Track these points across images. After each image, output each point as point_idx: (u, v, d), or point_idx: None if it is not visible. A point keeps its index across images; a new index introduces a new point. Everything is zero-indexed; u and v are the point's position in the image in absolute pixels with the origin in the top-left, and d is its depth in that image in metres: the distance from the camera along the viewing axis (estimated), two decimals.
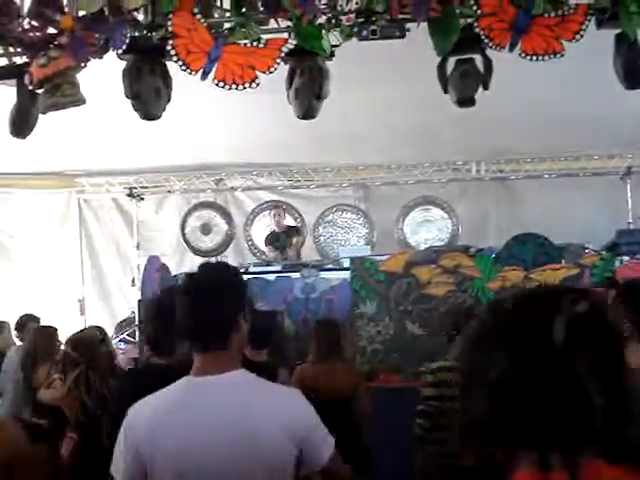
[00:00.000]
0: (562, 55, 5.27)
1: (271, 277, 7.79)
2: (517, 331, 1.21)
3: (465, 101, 5.38)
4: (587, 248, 7.28)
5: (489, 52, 5.28)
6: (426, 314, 6.58)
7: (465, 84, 5.37)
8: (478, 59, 5.33)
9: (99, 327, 5.80)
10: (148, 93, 5.32)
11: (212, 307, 2.39)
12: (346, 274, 7.37)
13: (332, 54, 5.25)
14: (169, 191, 10.85)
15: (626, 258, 7.16)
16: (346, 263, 7.84)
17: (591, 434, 1.14)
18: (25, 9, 5.21)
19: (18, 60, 5.39)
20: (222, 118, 8.43)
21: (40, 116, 5.47)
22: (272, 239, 9.83)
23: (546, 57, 5.27)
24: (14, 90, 5.48)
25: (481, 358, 1.21)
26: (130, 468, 2.35)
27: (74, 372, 4.35)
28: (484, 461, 1.20)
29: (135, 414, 2.41)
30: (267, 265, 9.06)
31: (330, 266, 8.62)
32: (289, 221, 10.20)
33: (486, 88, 5.37)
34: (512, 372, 1.17)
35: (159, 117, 5.43)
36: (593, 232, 8.09)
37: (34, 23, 5.14)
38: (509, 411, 1.15)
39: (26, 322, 7.39)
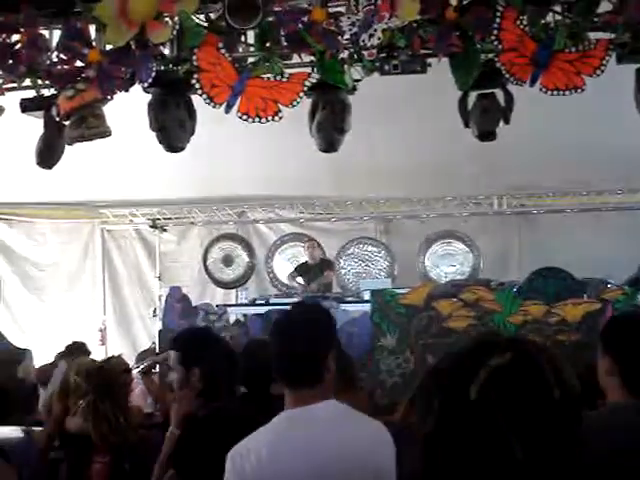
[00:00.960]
0: (583, 90, 5.30)
1: None
2: (441, 390, 1.23)
3: (487, 135, 5.41)
4: (609, 282, 7.22)
5: (510, 86, 5.32)
6: (447, 348, 6.53)
7: (486, 118, 5.39)
8: (499, 93, 5.36)
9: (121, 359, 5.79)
10: (173, 125, 5.39)
11: (307, 346, 2.48)
12: (367, 307, 7.35)
13: (354, 88, 5.31)
14: (192, 222, 10.93)
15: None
16: (367, 296, 7.83)
17: None
18: (54, 43, 5.32)
19: (46, 92, 5.49)
20: (245, 151, 8.51)
21: (66, 147, 5.57)
22: (303, 270, 9.79)
23: (567, 92, 5.29)
24: (41, 121, 5.58)
25: (418, 414, 1.24)
26: None
27: (81, 401, 4.38)
28: None
29: (240, 457, 2.39)
30: (288, 297, 9.07)
31: (351, 298, 8.63)
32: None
33: (507, 122, 5.39)
34: (439, 430, 1.19)
35: (183, 149, 5.50)
36: (615, 267, 8.05)
37: (62, 56, 5.24)
38: (440, 468, 1.17)
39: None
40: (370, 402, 6.06)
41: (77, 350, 7.34)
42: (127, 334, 11.16)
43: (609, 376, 2.53)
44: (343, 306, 7.79)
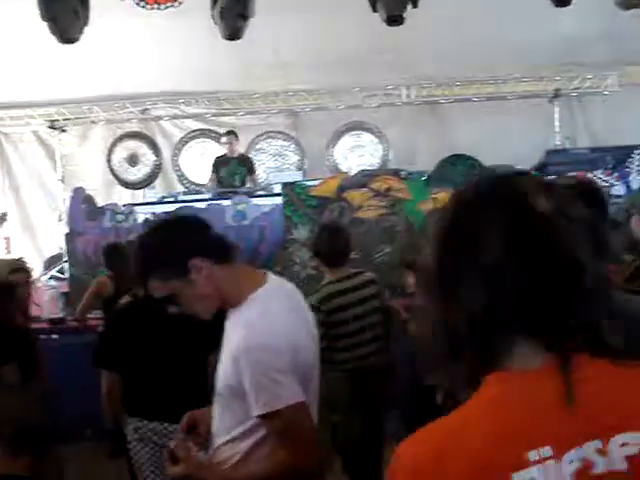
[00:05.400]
0: None
1: (202, 205, 7.67)
2: (503, 208, 1.11)
3: (394, 19, 5.31)
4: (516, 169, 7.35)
5: None
6: (359, 237, 6.57)
7: (394, 2, 5.29)
8: None
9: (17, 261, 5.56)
10: (65, 15, 5.09)
11: None
12: (278, 200, 7.31)
13: None
14: (93, 122, 10.51)
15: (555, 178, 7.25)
16: (277, 189, 7.77)
17: (581, 319, 1.08)
18: None
19: None
20: (145, 44, 8.15)
21: None
22: (220, 163, 9.49)
23: None
24: None
25: (464, 247, 1.11)
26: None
27: None
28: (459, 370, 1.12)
29: (276, 326, 2.28)
30: (197, 194, 8.91)
31: (261, 192, 8.54)
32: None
33: (415, 5, 5.29)
34: (508, 253, 1.07)
35: (77, 40, 5.22)
36: (522, 154, 8.17)
37: None
38: (513, 296, 1.07)
39: None
40: None
41: None
42: (32, 241, 10.80)
43: None
44: (254, 200, 7.69)
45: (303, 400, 2.21)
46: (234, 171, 9.31)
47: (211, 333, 2.51)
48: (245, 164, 9.42)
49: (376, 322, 4.85)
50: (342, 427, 4.70)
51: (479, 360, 1.10)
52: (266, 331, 2.23)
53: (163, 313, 2.62)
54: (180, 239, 2.34)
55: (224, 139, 9.55)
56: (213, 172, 9.44)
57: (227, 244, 2.43)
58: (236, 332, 2.28)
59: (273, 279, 2.43)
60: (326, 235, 5.01)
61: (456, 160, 7.07)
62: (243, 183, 9.22)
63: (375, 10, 5.36)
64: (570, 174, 7.05)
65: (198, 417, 2.57)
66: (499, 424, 1.06)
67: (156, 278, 2.30)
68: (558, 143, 9.74)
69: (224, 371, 2.30)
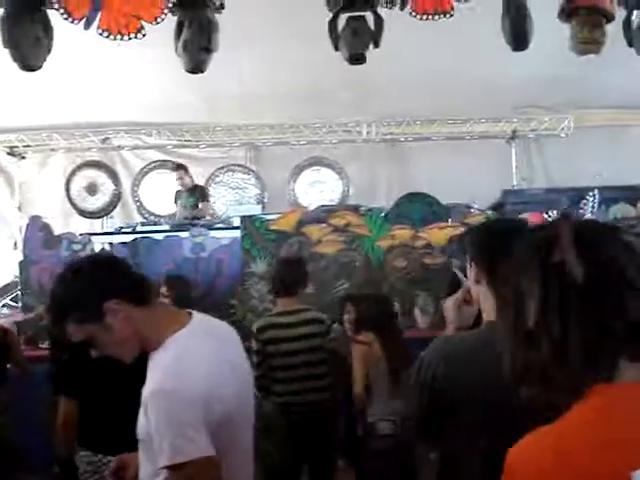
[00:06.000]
0: (451, 15, 5.34)
1: (159, 237, 7.62)
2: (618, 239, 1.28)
3: (356, 58, 5.37)
4: (472, 207, 7.45)
5: (380, 10, 5.28)
6: (317, 272, 6.59)
7: (356, 41, 5.35)
8: (369, 16, 5.31)
9: None
10: (27, 42, 5.06)
11: None
12: (237, 233, 7.30)
13: (222, 6, 5.14)
14: (52, 149, 10.44)
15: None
16: (236, 222, 7.76)
17: None
18: None
19: None
20: (108, 74, 8.13)
21: None
22: (176, 197, 9.57)
23: (436, 17, 5.33)
24: None
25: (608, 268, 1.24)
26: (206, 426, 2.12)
27: None
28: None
29: (190, 372, 2.15)
30: (155, 225, 8.88)
31: (220, 225, 8.53)
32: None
33: (377, 46, 5.36)
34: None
35: (39, 68, 5.18)
36: (479, 194, 8.27)
37: None
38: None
39: None
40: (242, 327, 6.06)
41: None
42: None
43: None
44: (213, 233, 7.66)
45: (210, 455, 2.08)
46: (185, 204, 9.37)
47: None
48: (194, 194, 9.45)
49: (316, 361, 4.88)
50: (272, 458, 4.72)
51: (594, 373, 1.21)
52: (178, 378, 2.12)
53: None
54: (94, 281, 2.26)
55: (175, 175, 9.57)
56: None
57: (147, 285, 2.36)
58: (151, 377, 2.19)
59: (198, 319, 2.35)
60: (280, 266, 5.09)
61: (414, 198, 7.15)
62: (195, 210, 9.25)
63: (337, 49, 5.42)
64: (526, 214, 7.19)
65: (126, 461, 2.51)
66: (604, 432, 1.16)
67: (72, 322, 2.22)
68: (515, 183, 9.92)
69: (140, 417, 2.19)
